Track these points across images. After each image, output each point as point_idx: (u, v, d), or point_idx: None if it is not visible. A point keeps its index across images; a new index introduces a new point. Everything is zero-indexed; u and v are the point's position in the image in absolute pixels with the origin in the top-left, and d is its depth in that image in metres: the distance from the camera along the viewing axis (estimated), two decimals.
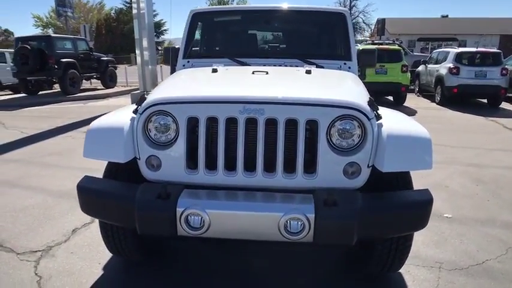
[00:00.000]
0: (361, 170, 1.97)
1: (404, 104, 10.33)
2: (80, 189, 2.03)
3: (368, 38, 35.42)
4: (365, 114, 1.93)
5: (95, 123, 2.19)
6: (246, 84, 2.38)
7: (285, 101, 1.96)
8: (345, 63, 3.20)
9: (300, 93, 2.07)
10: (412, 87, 12.54)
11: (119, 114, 2.30)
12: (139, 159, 2.07)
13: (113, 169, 2.23)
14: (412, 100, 11.30)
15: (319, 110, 1.95)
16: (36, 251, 2.79)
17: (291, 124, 1.96)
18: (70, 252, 2.80)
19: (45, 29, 44.61)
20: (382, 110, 2.16)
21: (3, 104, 11.10)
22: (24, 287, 2.38)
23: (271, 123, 1.96)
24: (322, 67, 3.08)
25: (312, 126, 1.97)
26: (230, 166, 2.01)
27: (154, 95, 2.12)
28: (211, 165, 2.02)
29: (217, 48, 3.86)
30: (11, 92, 14.31)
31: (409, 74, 10.60)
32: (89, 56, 14.05)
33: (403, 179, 2.11)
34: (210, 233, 1.87)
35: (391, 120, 2.10)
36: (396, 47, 11.99)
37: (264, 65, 2.93)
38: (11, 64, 12.95)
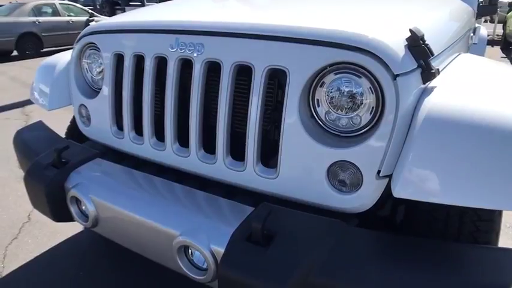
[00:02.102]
0: (362, 178, 0.95)
1: None
2: (15, 139, 1.66)
3: None
4: (385, 63, 0.87)
5: (46, 60, 1.74)
6: (206, 7, 1.47)
7: (234, 30, 1.06)
8: None
9: (272, 18, 1.10)
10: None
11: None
12: (74, 106, 1.55)
13: (71, 126, 1.78)
14: None
15: (293, 49, 0.98)
16: None
17: (245, 74, 1.07)
18: None
19: None
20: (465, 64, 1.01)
21: None
22: None
23: (214, 70, 1.11)
24: None
25: (282, 81, 1.03)
26: (161, 134, 1.28)
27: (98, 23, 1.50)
28: (139, 129, 1.34)
29: None
30: None
31: None
32: None
33: (474, 221, 0.97)
34: (102, 230, 1.25)
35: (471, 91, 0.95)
36: None
37: None
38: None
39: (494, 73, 1.20)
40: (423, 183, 0.82)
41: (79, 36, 1.48)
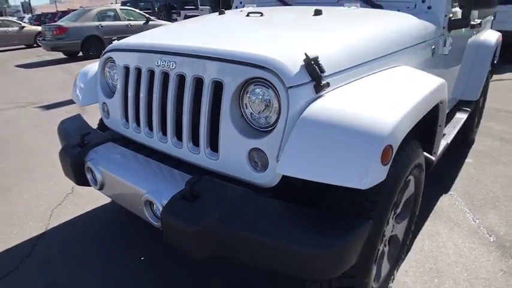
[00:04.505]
0: (267, 162, 1.33)
1: None
2: (58, 127, 2.23)
3: None
4: (280, 78, 1.25)
5: (85, 67, 2.30)
6: (196, 32, 1.92)
7: (190, 52, 1.50)
8: (423, 1, 2.10)
9: (220, 43, 1.51)
10: None
11: None
12: (99, 104, 2.08)
13: (100, 119, 2.32)
14: None
15: (225, 67, 1.39)
16: None
17: (200, 84, 1.50)
18: None
19: None
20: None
21: None
22: None
23: (182, 81, 1.56)
24: (381, 6, 2.14)
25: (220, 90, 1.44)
26: (151, 126, 1.75)
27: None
28: (139, 121, 1.82)
29: None
30: None
31: None
32: None
33: (351, 196, 1.29)
34: (106, 192, 1.75)
35: (358, 99, 1.29)
36: None
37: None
38: None
39: (401, 85, 1.50)
40: (294, 164, 1.19)
41: (103, 52, 2.00)
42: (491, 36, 3.19)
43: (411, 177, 1.65)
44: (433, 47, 2.02)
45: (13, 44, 15.06)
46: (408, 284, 1.92)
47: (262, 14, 1.99)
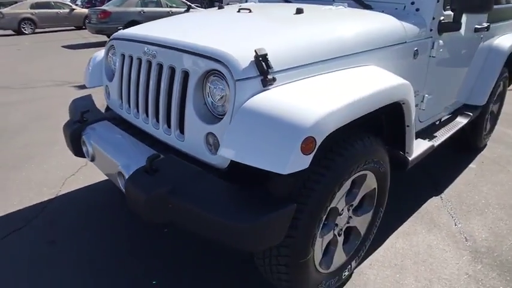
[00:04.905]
0: (219, 145, 1.48)
1: None
2: (69, 105, 2.50)
3: None
4: (230, 71, 1.40)
5: (95, 53, 2.55)
6: (180, 25, 2.07)
7: (166, 44, 1.67)
8: (412, 3, 2.12)
9: (191, 37, 1.65)
10: None
11: None
12: (103, 86, 2.32)
13: None
14: None
15: (191, 58, 1.55)
16: None
17: (174, 73, 1.66)
18: None
19: None
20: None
21: None
22: None
23: (161, 69, 1.73)
24: (370, 7, 2.19)
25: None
26: (139, 108, 1.95)
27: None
28: (130, 103, 2.03)
29: None
30: None
31: None
32: None
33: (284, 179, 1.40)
34: (96, 164, 1.98)
35: (298, 93, 1.41)
36: None
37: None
38: None
39: (352, 83, 1.56)
40: (230, 148, 1.35)
41: (108, 40, 2.22)
42: (506, 41, 3.08)
43: (368, 173, 1.73)
44: (416, 48, 2.04)
45: (63, 26, 15.98)
46: (368, 276, 2.01)
47: (250, 11, 2.11)
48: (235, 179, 1.50)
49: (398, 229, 2.39)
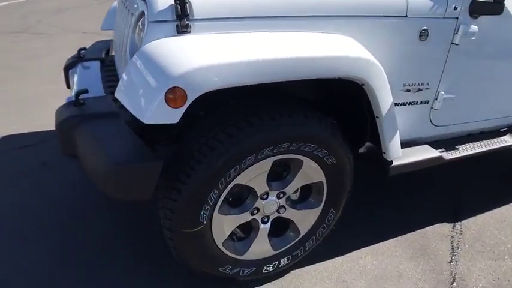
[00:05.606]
0: None
1: None
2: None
3: None
4: (148, 12, 1.34)
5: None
6: None
7: None
8: None
9: None
10: None
11: None
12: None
13: None
14: None
15: (136, 3, 1.54)
16: None
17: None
18: None
19: None
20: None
21: None
22: None
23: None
24: None
25: None
26: None
27: None
28: None
29: None
30: None
31: None
32: None
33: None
34: None
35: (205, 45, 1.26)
36: None
37: None
38: None
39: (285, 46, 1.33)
40: (119, 90, 1.31)
41: None
42: None
43: (304, 159, 1.48)
44: (425, 28, 1.62)
45: None
46: (303, 282, 1.76)
47: None
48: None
49: (374, 245, 2.03)
